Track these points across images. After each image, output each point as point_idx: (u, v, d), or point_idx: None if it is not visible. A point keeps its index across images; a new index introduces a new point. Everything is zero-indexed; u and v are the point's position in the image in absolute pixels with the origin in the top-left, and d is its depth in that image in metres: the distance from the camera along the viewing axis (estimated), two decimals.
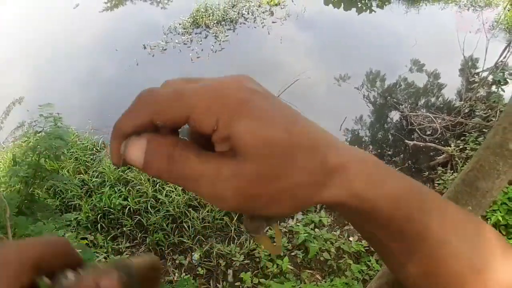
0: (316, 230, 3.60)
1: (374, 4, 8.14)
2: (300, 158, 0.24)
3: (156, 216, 3.65)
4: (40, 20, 7.35)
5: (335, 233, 3.64)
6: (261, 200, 0.24)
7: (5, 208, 1.35)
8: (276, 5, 7.57)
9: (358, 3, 8.11)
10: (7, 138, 4.90)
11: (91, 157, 4.43)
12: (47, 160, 2.31)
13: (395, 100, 5.73)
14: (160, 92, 0.25)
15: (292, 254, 3.43)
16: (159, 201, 3.78)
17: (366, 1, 8.12)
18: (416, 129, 5.15)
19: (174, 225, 3.64)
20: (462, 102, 5.36)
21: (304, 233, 3.45)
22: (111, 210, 3.71)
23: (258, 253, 3.38)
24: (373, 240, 0.30)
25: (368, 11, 8.03)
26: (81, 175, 4.09)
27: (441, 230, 0.27)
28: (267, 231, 0.29)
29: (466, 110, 5.24)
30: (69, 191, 3.85)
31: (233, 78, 0.26)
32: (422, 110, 5.60)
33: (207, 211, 3.69)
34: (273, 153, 0.23)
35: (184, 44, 6.55)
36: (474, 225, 0.29)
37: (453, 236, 0.28)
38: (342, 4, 8.14)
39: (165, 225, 3.60)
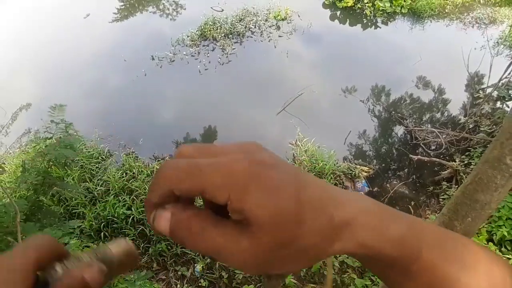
0: None
1: (379, 20, 8.25)
2: (309, 222, 0.26)
3: None
4: (51, 28, 7.52)
5: None
6: (278, 263, 0.27)
7: (15, 214, 1.38)
8: (282, 20, 7.70)
9: (364, 19, 8.22)
10: (13, 144, 4.97)
11: (97, 165, 4.46)
12: (53, 167, 2.34)
13: (399, 114, 5.75)
14: (176, 166, 0.27)
15: None
16: None
17: (372, 17, 8.22)
18: (421, 144, 5.15)
19: None
20: (467, 118, 5.37)
21: None
22: (115, 219, 3.72)
23: None
24: (383, 277, 0.34)
25: (373, 27, 8.13)
26: (86, 183, 4.12)
27: (441, 263, 0.30)
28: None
29: (471, 126, 5.24)
30: (73, 199, 3.88)
31: (242, 149, 0.29)
32: (426, 125, 5.61)
33: None
34: (283, 222, 0.26)
35: (192, 56, 6.66)
36: (473, 253, 0.33)
37: (453, 266, 0.31)
38: (348, 20, 8.25)
39: None
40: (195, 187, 0.26)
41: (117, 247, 0.34)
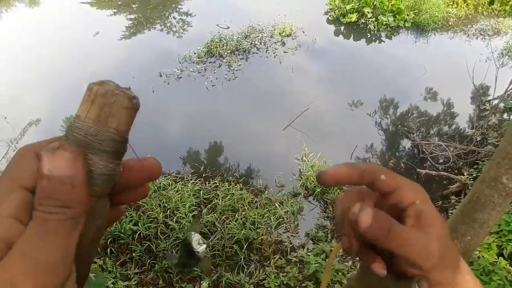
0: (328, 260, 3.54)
1: (383, 34, 8.32)
2: (450, 243, 0.38)
3: (166, 242, 3.66)
4: (60, 46, 7.72)
5: (346, 264, 3.58)
6: (439, 259, 0.36)
7: None
8: (287, 36, 7.81)
9: (368, 34, 8.30)
10: None
11: None
12: None
13: (406, 128, 5.73)
14: (385, 168, 0.38)
15: (303, 285, 3.37)
16: (169, 227, 3.80)
17: (375, 32, 8.30)
18: (428, 158, 5.12)
19: None
20: (474, 130, 5.33)
21: (315, 264, 3.40)
22: (121, 235, 3.74)
23: (268, 283, 3.34)
24: None
25: (378, 41, 8.20)
26: None
27: None
28: None
29: (478, 138, 5.20)
30: None
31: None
32: (434, 138, 5.58)
33: (217, 239, 3.68)
34: (443, 231, 0.37)
35: (199, 72, 6.76)
36: None
37: None
38: (352, 35, 8.34)
39: (174, 252, 3.59)
40: (394, 184, 0.37)
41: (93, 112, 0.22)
